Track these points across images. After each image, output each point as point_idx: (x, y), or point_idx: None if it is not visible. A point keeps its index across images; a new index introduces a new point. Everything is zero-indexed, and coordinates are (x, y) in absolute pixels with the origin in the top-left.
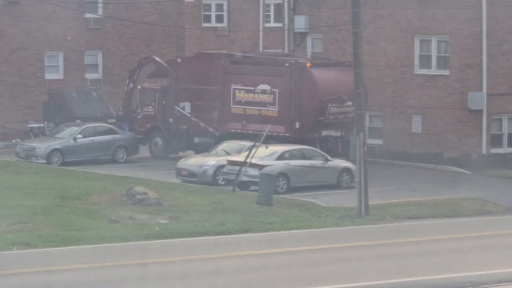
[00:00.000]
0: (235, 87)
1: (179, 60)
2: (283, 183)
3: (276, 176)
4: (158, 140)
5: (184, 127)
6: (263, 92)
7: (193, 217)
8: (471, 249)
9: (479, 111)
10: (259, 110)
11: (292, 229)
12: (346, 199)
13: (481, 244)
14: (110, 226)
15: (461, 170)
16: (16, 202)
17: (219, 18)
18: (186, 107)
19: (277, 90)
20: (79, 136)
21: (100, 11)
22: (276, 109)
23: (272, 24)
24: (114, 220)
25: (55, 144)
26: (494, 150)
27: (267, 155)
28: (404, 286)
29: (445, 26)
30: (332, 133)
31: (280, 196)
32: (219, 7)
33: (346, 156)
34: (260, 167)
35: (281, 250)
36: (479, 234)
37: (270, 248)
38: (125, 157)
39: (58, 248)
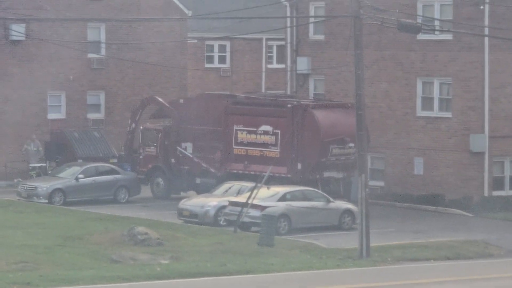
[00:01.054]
0: (237, 128)
1: (181, 100)
2: (285, 224)
3: (277, 217)
4: (160, 181)
5: (186, 167)
6: (265, 133)
7: (195, 258)
8: None
9: (481, 154)
10: (261, 151)
11: (293, 270)
12: (347, 241)
13: (484, 287)
14: (111, 266)
15: (463, 212)
16: (18, 241)
17: (222, 59)
18: (188, 148)
19: (279, 131)
20: (81, 176)
21: (103, 51)
22: (278, 150)
23: (274, 65)
24: (115, 260)
25: (57, 183)
26: (496, 193)
27: (268, 196)
28: None
29: (447, 68)
30: (334, 174)
31: (282, 237)
32: (222, 48)
33: (348, 198)
34: (262, 208)
35: None
36: (481, 276)
37: None
38: (126, 197)
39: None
